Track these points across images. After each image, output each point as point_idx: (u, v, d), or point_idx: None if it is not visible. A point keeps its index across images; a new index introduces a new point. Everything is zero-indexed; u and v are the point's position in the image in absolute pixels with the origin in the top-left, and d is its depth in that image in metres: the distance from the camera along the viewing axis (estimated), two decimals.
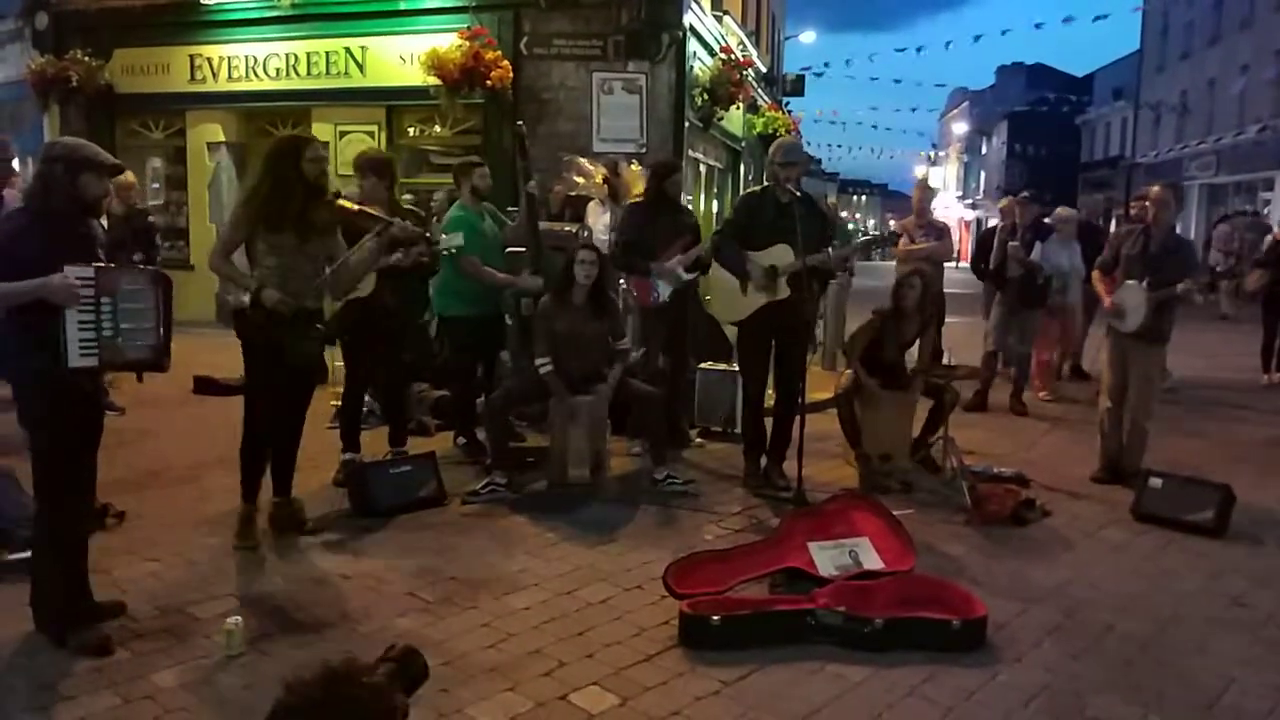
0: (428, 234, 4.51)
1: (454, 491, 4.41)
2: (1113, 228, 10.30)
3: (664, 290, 5.18)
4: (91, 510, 3.28)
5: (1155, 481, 4.37)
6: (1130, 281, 4.77)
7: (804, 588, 3.26)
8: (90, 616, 2.96)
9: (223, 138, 10.51)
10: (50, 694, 2.63)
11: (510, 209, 5.93)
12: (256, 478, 3.81)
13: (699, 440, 5.60)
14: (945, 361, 5.27)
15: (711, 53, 10.47)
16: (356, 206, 4.02)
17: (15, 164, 4.91)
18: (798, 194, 4.59)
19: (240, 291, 3.66)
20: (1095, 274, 5.11)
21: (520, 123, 5.74)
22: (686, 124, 9.49)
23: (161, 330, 2.95)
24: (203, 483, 4.58)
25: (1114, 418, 4.99)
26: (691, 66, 9.58)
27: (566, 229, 6.16)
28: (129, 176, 7.17)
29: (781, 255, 4.51)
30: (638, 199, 5.55)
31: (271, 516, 3.93)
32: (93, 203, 2.94)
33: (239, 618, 2.91)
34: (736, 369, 5.64)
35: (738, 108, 11.56)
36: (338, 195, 3.84)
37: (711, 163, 12.38)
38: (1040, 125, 36.61)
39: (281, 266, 3.63)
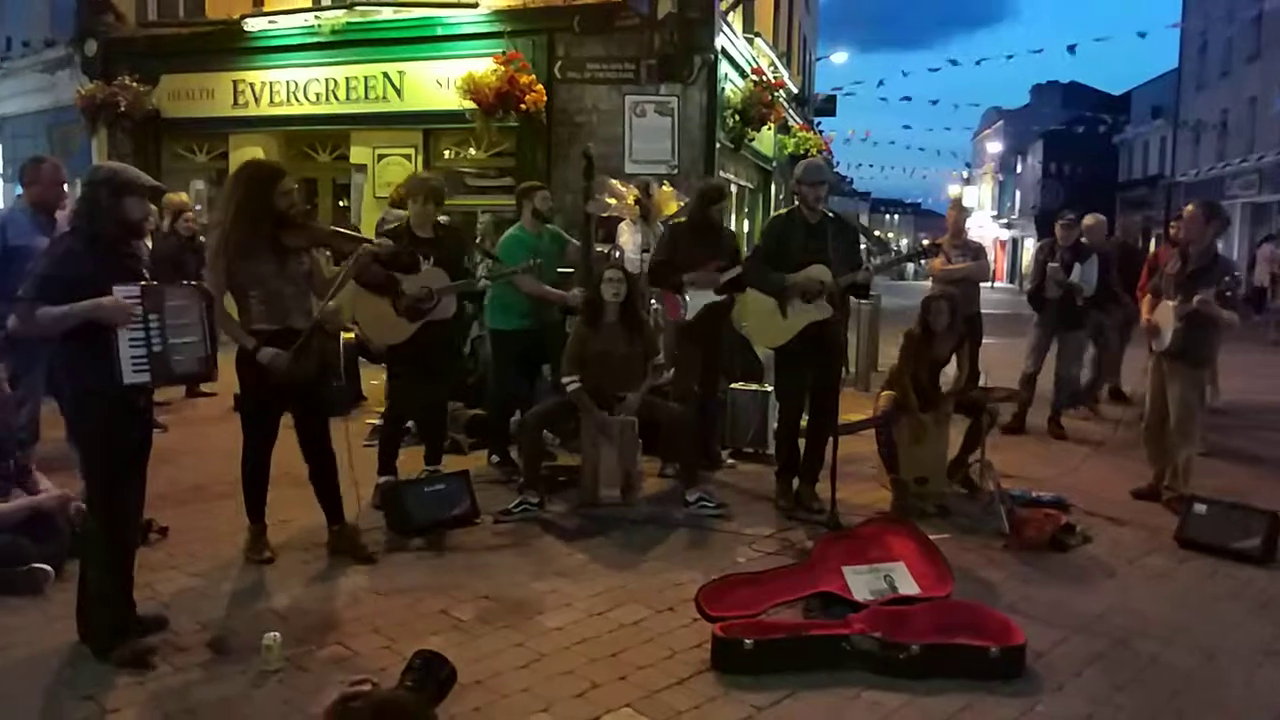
0: (465, 255, 4.69)
1: (487, 510, 4.44)
2: (1151, 248, 10.07)
3: (692, 305, 5.17)
4: (137, 525, 3.36)
5: (1200, 507, 4.26)
6: (1168, 300, 4.73)
7: (839, 612, 3.23)
8: (133, 630, 3.02)
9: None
10: (93, 705, 2.68)
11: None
12: (259, 499, 3.85)
13: (730, 461, 5.58)
14: (982, 383, 5.20)
15: (743, 74, 10.52)
16: (331, 228, 4.12)
17: (65, 186, 5.08)
18: (828, 214, 4.57)
19: (244, 339, 3.60)
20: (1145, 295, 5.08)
21: (589, 145, 5.94)
22: (717, 145, 9.53)
23: (208, 342, 3.03)
24: (243, 498, 4.66)
25: (1152, 436, 4.93)
26: (723, 88, 9.63)
27: (599, 249, 6.23)
28: (184, 197, 7.40)
29: (819, 276, 4.47)
30: (679, 219, 5.55)
31: (330, 545, 3.92)
32: (136, 224, 3.02)
33: (277, 633, 2.95)
34: (768, 389, 5.62)
35: (769, 128, 11.58)
36: (308, 212, 3.89)
37: (743, 183, 12.41)
38: (1076, 144, 36.11)
39: (266, 294, 3.59)
